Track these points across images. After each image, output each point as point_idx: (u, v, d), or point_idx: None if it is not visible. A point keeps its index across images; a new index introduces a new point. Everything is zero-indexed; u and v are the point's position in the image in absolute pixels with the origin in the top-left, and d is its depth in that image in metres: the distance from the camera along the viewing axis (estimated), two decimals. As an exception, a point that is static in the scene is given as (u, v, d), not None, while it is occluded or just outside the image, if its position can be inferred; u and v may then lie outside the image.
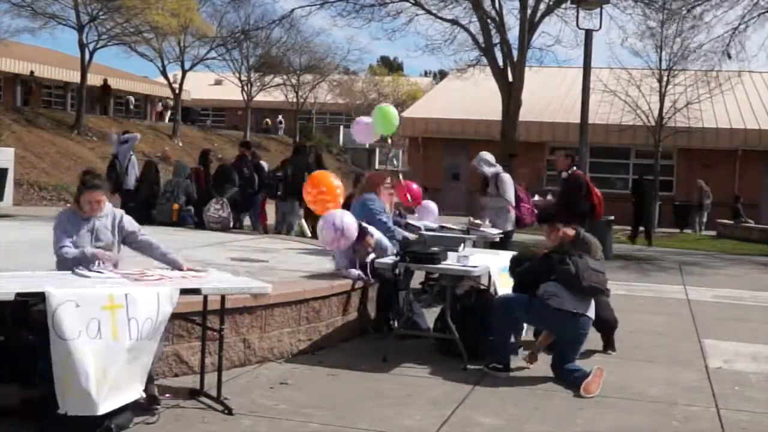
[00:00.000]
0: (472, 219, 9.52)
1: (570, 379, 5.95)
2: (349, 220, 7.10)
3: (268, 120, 48.87)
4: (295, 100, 44.95)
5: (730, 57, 20.40)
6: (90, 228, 5.33)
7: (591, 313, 6.21)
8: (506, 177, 9.45)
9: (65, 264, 5.14)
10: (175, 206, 12.79)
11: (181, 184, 13.02)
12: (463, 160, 26.38)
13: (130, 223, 5.53)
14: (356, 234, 7.10)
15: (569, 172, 9.70)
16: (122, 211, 5.60)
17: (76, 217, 5.34)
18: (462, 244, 8.17)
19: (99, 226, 5.35)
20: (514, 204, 9.59)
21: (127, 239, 5.52)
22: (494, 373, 6.16)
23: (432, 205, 10.37)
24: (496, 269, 7.12)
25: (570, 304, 6.07)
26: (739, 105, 27.87)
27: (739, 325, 8.94)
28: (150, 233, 5.66)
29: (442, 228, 9.34)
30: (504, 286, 7.04)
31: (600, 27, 16.61)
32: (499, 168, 9.70)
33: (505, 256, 7.35)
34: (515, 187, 9.77)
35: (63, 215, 5.42)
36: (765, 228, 22.04)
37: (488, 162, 9.62)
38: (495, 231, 9.26)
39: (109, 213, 5.42)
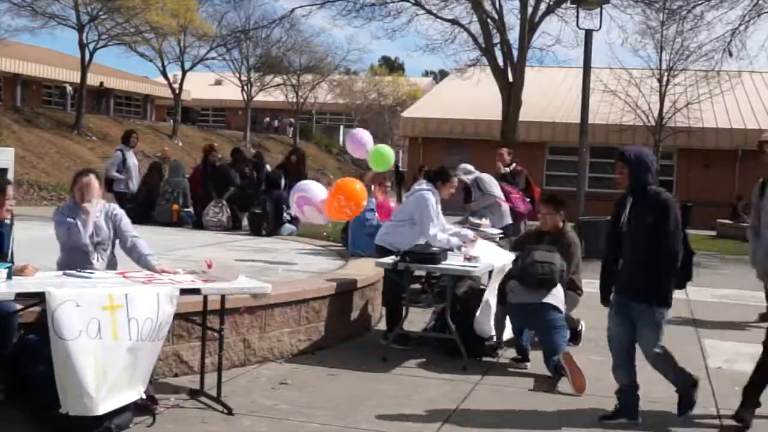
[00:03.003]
0: (471, 219, 9.52)
1: (552, 368, 6.10)
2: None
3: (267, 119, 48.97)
4: (295, 100, 44.95)
5: (731, 55, 20.38)
6: (85, 221, 5.45)
7: (552, 300, 6.31)
8: (486, 176, 9.59)
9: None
10: (175, 207, 12.77)
11: (179, 184, 12.99)
12: (464, 160, 26.38)
13: (122, 217, 5.61)
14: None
15: (510, 168, 9.75)
16: (115, 205, 5.75)
17: (75, 209, 5.49)
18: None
19: (97, 222, 5.49)
20: (503, 198, 9.70)
21: (118, 234, 5.59)
22: (516, 364, 6.42)
23: None
24: (499, 267, 7.07)
25: (523, 296, 6.31)
26: (739, 105, 27.85)
27: (739, 325, 8.93)
28: (150, 233, 5.68)
29: None
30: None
31: (600, 27, 16.62)
32: (477, 172, 9.86)
33: (507, 255, 7.35)
34: (499, 183, 9.92)
35: (61, 209, 5.61)
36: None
37: (466, 170, 9.78)
38: (495, 231, 9.27)
39: (102, 207, 5.55)
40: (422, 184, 7.37)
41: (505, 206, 9.73)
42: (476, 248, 6.97)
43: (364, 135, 9.36)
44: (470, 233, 7.41)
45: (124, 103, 44.93)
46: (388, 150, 9.29)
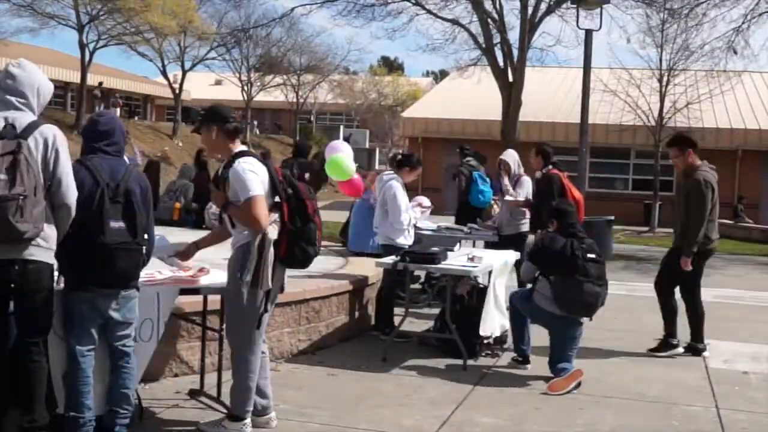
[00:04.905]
0: (488, 222, 9.47)
1: (558, 377, 5.99)
2: None
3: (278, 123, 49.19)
4: (295, 100, 44.94)
5: (735, 52, 20.35)
6: None
7: (584, 319, 6.23)
8: (526, 179, 9.12)
9: None
10: (177, 205, 12.73)
11: (184, 185, 12.97)
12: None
13: None
14: None
15: (543, 171, 8.98)
16: None
17: None
18: (458, 244, 8.17)
19: None
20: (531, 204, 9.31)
21: None
22: (515, 365, 6.35)
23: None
24: (497, 268, 7.06)
25: (548, 305, 6.13)
26: (739, 105, 27.84)
27: (739, 325, 8.93)
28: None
29: (444, 228, 9.34)
30: (501, 278, 7.07)
31: (600, 27, 16.61)
32: (522, 170, 9.36)
33: (506, 255, 7.35)
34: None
35: None
36: (765, 228, 22.04)
37: (518, 162, 9.28)
38: (489, 232, 9.22)
39: None
40: (388, 173, 7.58)
41: (528, 215, 9.21)
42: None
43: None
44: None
45: (124, 103, 44.92)
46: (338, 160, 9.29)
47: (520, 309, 6.39)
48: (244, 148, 4.59)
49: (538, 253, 6.32)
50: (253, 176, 4.36)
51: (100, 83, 37.95)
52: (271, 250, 4.37)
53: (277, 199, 4.47)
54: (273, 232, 4.38)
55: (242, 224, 4.45)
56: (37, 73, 4.09)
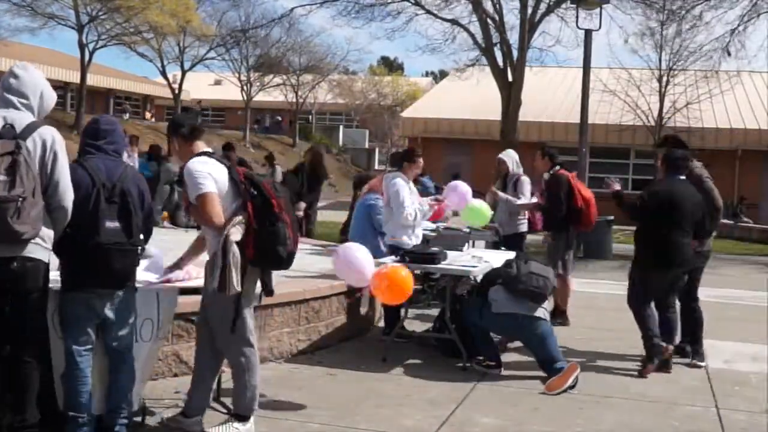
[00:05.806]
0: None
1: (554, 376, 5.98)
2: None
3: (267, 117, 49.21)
4: (294, 100, 44.95)
5: (729, 54, 20.42)
6: None
7: (539, 313, 6.19)
8: (526, 180, 9.08)
9: None
10: (165, 215, 12.71)
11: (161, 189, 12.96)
12: (464, 160, 26.40)
13: None
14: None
15: (551, 172, 8.87)
16: None
17: None
18: (467, 244, 8.16)
19: None
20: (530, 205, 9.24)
21: None
22: (487, 370, 6.24)
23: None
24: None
25: (508, 306, 6.14)
26: (739, 105, 27.87)
27: (739, 325, 8.93)
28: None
29: (443, 228, 9.32)
30: None
31: (600, 27, 16.65)
32: (521, 170, 9.32)
33: (506, 255, 7.35)
34: (533, 191, 9.40)
35: None
36: (765, 228, 22.05)
37: (517, 162, 9.24)
38: (487, 232, 9.21)
39: None
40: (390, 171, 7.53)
41: (527, 216, 9.17)
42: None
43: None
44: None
45: (124, 104, 44.95)
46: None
47: (481, 328, 6.31)
48: (206, 149, 4.55)
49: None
50: (203, 174, 4.33)
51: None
52: (237, 252, 4.26)
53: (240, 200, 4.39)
54: (236, 234, 4.28)
55: (201, 224, 4.45)
56: (41, 78, 4.12)
